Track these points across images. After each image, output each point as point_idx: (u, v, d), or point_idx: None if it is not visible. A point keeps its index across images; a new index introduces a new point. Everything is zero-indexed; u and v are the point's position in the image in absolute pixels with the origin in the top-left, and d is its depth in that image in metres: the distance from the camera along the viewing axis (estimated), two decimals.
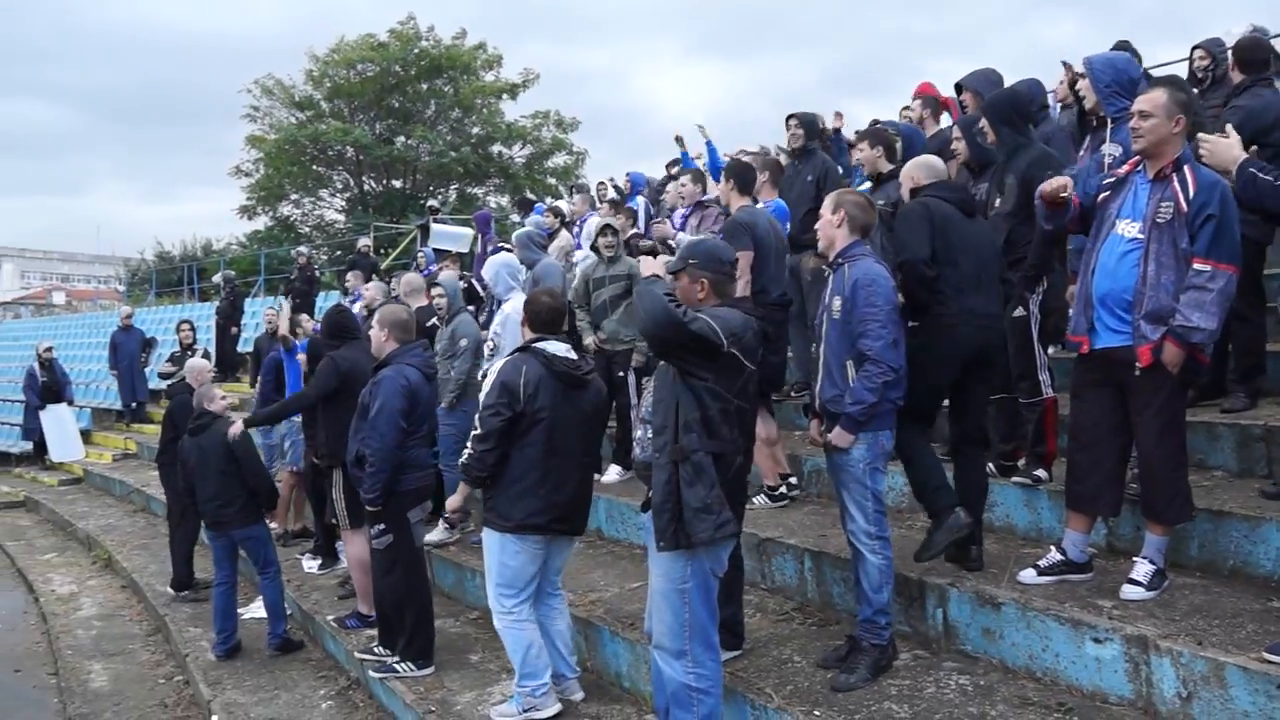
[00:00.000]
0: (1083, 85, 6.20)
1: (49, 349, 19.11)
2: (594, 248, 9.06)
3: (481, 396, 5.46)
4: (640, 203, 12.26)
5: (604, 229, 8.85)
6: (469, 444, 5.39)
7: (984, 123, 6.09)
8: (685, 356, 4.31)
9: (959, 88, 7.60)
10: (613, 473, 8.51)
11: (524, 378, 5.33)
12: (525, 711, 5.45)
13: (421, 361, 6.71)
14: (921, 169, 5.64)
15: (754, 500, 6.88)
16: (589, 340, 8.60)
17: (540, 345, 5.49)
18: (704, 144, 11.73)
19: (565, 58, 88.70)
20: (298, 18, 69.87)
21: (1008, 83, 7.21)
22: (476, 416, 5.38)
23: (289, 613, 8.82)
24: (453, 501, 6.05)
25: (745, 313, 4.60)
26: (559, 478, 5.43)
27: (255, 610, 8.78)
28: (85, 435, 20.12)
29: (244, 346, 19.61)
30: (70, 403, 19.34)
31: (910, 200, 5.55)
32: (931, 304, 5.08)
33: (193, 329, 16.23)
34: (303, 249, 21.91)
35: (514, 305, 7.89)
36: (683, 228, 9.38)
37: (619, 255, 8.74)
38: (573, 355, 5.56)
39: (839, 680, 4.72)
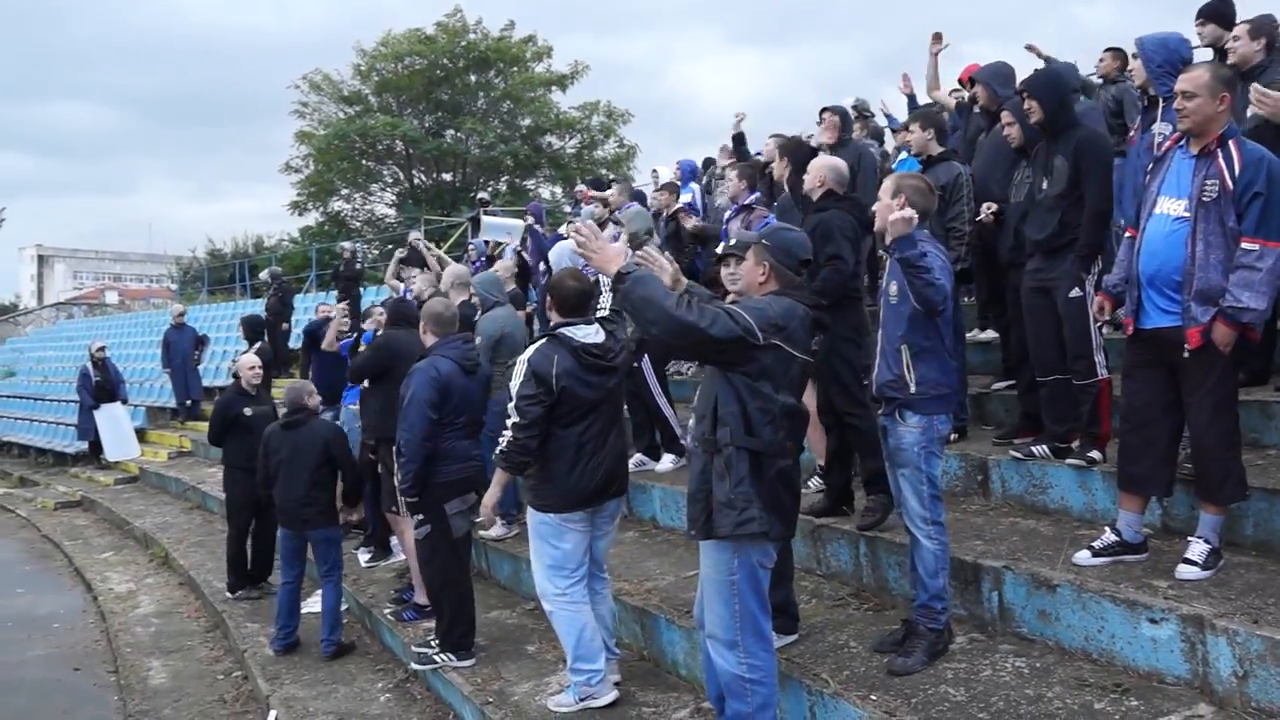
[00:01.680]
0: (1134, 65, 6.17)
1: (102, 348, 19.32)
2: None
3: (513, 385, 5.44)
4: (695, 189, 12.25)
5: (610, 220, 8.90)
6: (507, 433, 5.41)
7: (1029, 104, 6.06)
8: (718, 357, 4.26)
9: (971, 81, 7.59)
10: (666, 461, 8.52)
11: (556, 369, 5.36)
12: (583, 700, 5.50)
13: (459, 354, 6.69)
14: (832, 173, 6.07)
15: (808, 484, 6.92)
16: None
17: (568, 332, 5.51)
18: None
19: (605, 49, 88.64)
20: (331, 17, 70.45)
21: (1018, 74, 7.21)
22: (512, 405, 5.39)
23: (345, 607, 8.94)
24: (490, 497, 5.96)
25: (798, 301, 4.53)
26: (596, 452, 5.50)
27: (314, 605, 8.84)
28: (140, 434, 20.39)
29: (294, 342, 19.72)
30: (124, 401, 19.57)
31: (830, 206, 6.08)
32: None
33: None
34: (346, 244, 22.02)
35: None
36: (725, 229, 9.35)
37: (640, 243, 8.72)
38: (600, 339, 5.57)
39: (895, 664, 4.73)
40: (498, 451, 5.49)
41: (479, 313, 8.77)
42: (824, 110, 8.16)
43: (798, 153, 7.16)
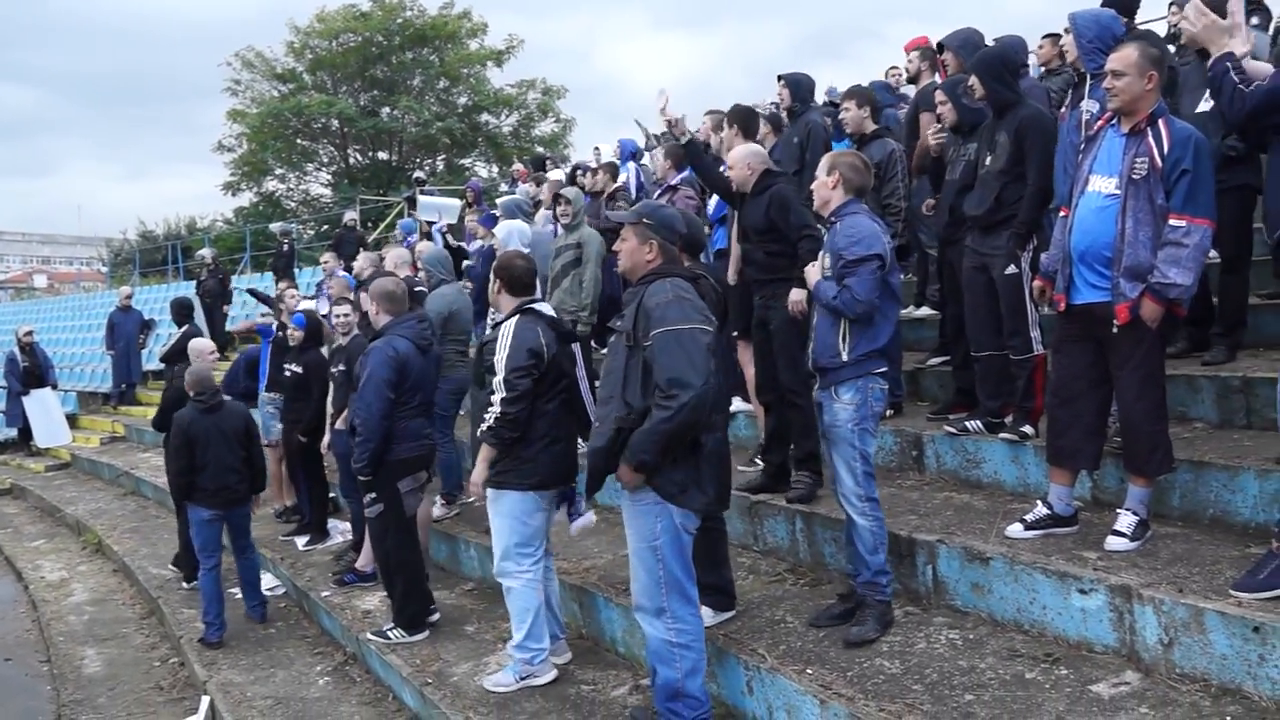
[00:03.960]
0: (1066, 41, 6.22)
1: (29, 333, 18.85)
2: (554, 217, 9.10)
3: (500, 359, 5.43)
4: (631, 169, 12.23)
5: (557, 197, 8.89)
6: (494, 409, 5.40)
7: (973, 80, 6.10)
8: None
9: (940, 48, 7.58)
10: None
11: (543, 338, 5.44)
12: (523, 680, 5.52)
13: (414, 333, 6.72)
14: (754, 157, 6.20)
15: (755, 460, 7.01)
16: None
17: (536, 306, 5.62)
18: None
19: (533, 31, 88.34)
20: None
21: (988, 42, 7.22)
22: (500, 380, 5.38)
23: (284, 590, 8.91)
24: (478, 474, 5.79)
25: (692, 273, 4.63)
26: (570, 430, 5.66)
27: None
28: (72, 419, 20.02)
29: (230, 325, 19.42)
30: (54, 387, 19.20)
31: (773, 182, 6.12)
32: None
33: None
34: (275, 226, 21.71)
35: None
36: None
37: (577, 222, 8.75)
38: (553, 314, 5.72)
39: (852, 634, 4.78)
40: (485, 428, 5.47)
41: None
42: (779, 77, 8.12)
43: (749, 120, 7.14)
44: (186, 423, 7.95)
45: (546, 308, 5.73)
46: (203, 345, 9.42)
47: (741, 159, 6.21)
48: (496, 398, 5.40)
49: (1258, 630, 3.75)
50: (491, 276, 5.84)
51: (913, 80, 8.89)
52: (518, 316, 5.57)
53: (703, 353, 4.24)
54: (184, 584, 9.63)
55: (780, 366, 6.13)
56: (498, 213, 11.11)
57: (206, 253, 21.36)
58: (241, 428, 8.09)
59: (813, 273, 5.10)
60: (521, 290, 5.68)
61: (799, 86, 7.85)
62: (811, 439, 6.00)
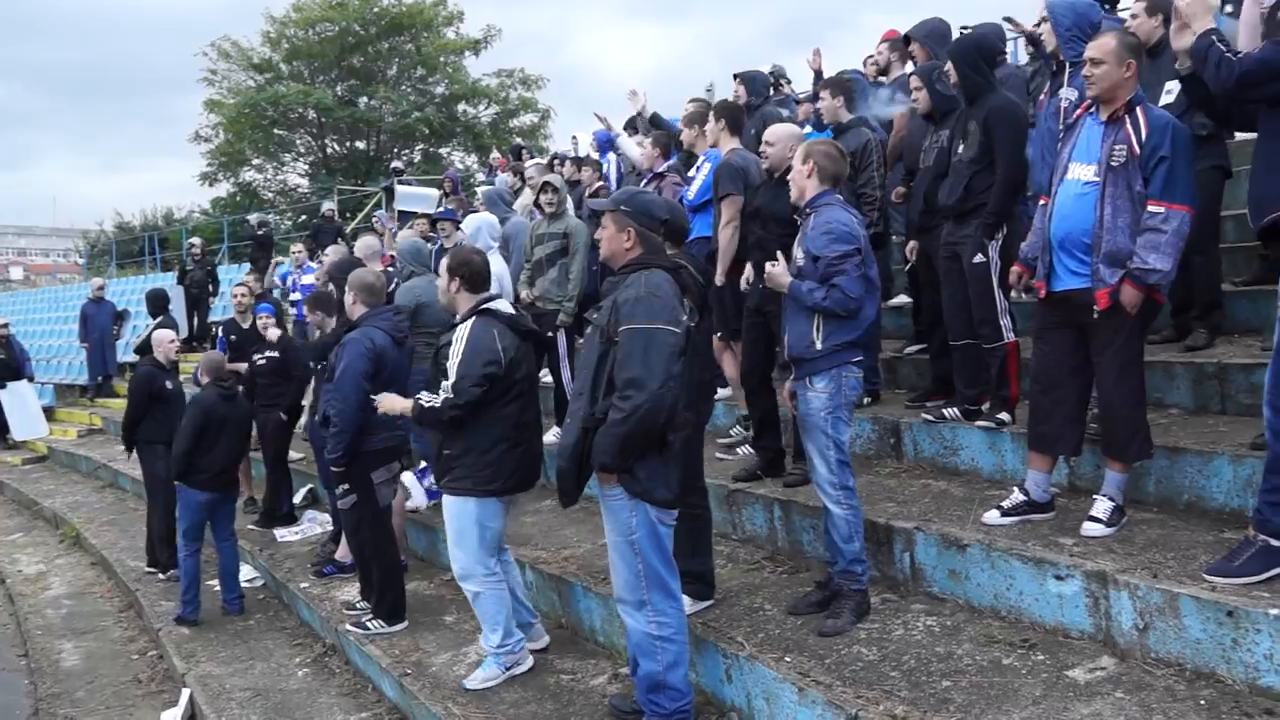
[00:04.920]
0: (1044, 29, 6.23)
1: (4, 325, 18.71)
2: (536, 204, 9.08)
3: (451, 365, 5.32)
4: (611, 159, 12.19)
5: (544, 186, 8.87)
6: (437, 399, 5.31)
7: (949, 67, 6.11)
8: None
9: (907, 39, 7.61)
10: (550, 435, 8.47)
11: (500, 343, 5.33)
12: (508, 670, 5.52)
13: (390, 325, 6.72)
14: (800, 141, 6.02)
15: (739, 450, 7.06)
16: (525, 294, 8.73)
17: (495, 306, 5.52)
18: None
19: (507, 20, 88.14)
20: None
21: (954, 32, 7.24)
22: (450, 383, 5.27)
23: (263, 582, 8.90)
24: (397, 406, 5.69)
25: (673, 263, 4.58)
26: (531, 434, 5.57)
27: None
28: (48, 412, 19.90)
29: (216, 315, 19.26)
30: (31, 379, 19.08)
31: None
32: None
33: None
34: (253, 217, 21.57)
35: (494, 265, 7.89)
36: None
37: (561, 212, 8.74)
38: (512, 310, 5.66)
39: (826, 626, 4.77)
40: (426, 405, 5.36)
41: (394, 284, 8.74)
42: (735, 76, 8.18)
43: (737, 115, 7.15)
44: (209, 405, 8.15)
45: (505, 305, 5.61)
46: (161, 335, 9.46)
47: (784, 138, 6.11)
48: (445, 399, 5.29)
49: (1231, 615, 3.77)
50: (446, 275, 5.64)
51: (882, 72, 8.96)
52: (475, 319, 5.45)
53: (664, 354, 4.17)
54: (160, 575, 9.60)
55: (765, 360, 6.14)
56: (478, 202, 11.10)
57: (195, 240, 21.23)
58: (248, 421, 8.70)
59: (778, 270, 5.01)
60: (482, 284, 5.58)
61: (754, 82, 7.94)
62: None
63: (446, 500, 5.53)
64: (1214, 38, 4.18)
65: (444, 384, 5.34)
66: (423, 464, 6.19)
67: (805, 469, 6.06)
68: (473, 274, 5.57)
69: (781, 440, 6.41)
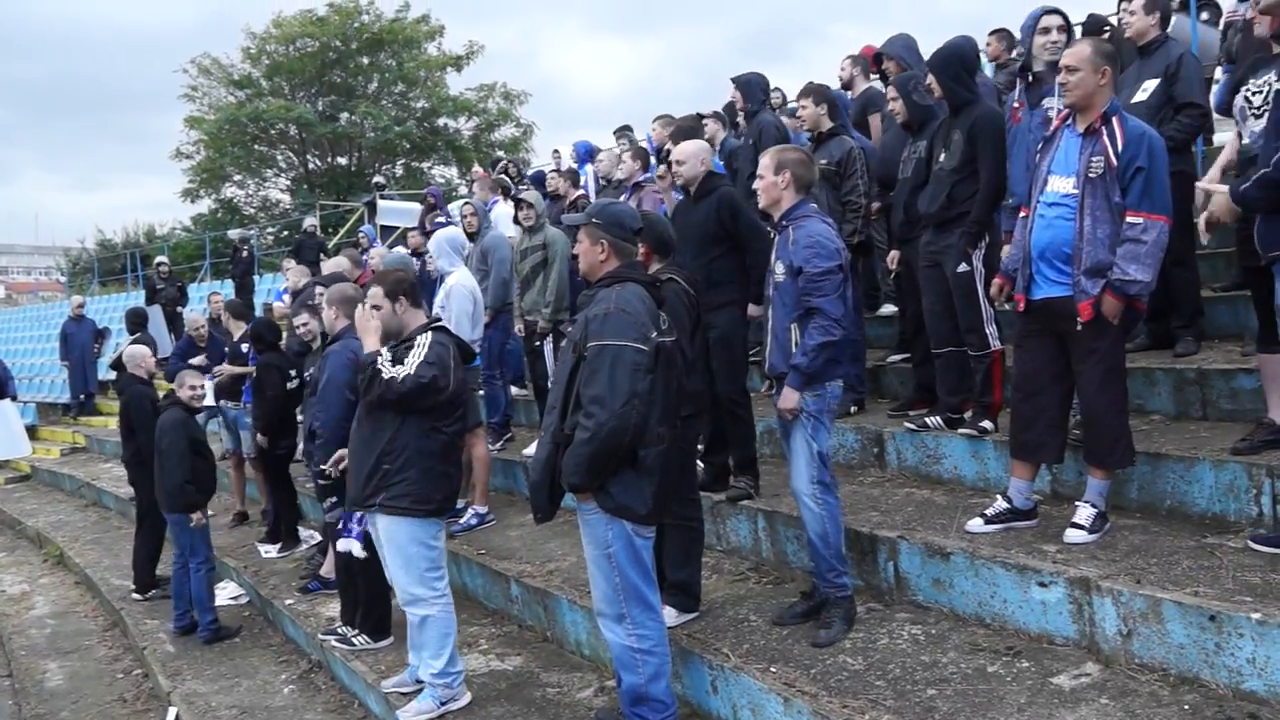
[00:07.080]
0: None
1: None
2: (515, 220, 9.12)
3: (412, 357, 5.13)
4: (589, 171, 12.22)
5: (519, 203, 8.91)
6: (397, 369, 5.10)
7: (930, 79, 6.15)
8: None
9: (879, 57, 7.65)
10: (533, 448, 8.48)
11: (453, 360, 5.28)
12: (444, 705, 5.39)
13: None
14: (705, 152, 6.26)
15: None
16: (517, 327, 8.87)
17: (445, 324, 5.63)
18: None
19: (471, 35, 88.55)
20: (204, 4, 68.71)
21: (923, 48, 7.31)
22: (413, 362, 5.11)
23: (247, 599, 8.87)
24: (371, 344, 5.37)
25: (654, 277, 4.59)
26: (460, 453, 5.65)
27: (224, 594, 8.99)
28: (31, 431, 19.74)
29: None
30: (14, 398, 18.95)
31: (718, 185, 6.13)
32: None
33: None
34: (233, 233, 21.53)
35: (457, 279, 7.88)
36: None
37: (540, 224, 8.77)
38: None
39: (819, 637, 4.76)
40: (387, 376, 5.09)
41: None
42: (732, 79, 8.14)
43: (695, 134, 7.17)
44: (189, 427, 8.08)
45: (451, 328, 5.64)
46: (135, 351, 9.36)
47: (694, 154, 6.13)
48: (402, 371, 5.08)
49: (1214, 619, 3.79)
50: (387, 300, 5.38)
51: (846, 87, 9.04)
52: (432, 333, 5.32)
53: (628, 372, 4.13)
54: (139, 596, 9.57)
55: (721, 378, 6.01)
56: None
57: (164, 260, 21.16)
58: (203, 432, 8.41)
59: (791, 404, 4.83)
60: (419, 297, 5.54)
61: (750, 87, 7.88)
62: (750, 446, 6.16)
63: (384, 522, 5.36)
64: (1243, 189, 4.37)
65: (400, 366, 5.12)
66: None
67: (745, 484, 6.13)
68: (411, 287, 5.50)
69: (729, 460, 6.36)
